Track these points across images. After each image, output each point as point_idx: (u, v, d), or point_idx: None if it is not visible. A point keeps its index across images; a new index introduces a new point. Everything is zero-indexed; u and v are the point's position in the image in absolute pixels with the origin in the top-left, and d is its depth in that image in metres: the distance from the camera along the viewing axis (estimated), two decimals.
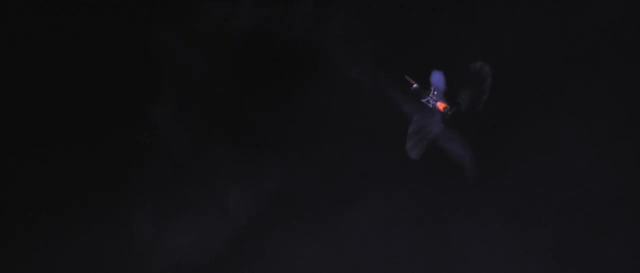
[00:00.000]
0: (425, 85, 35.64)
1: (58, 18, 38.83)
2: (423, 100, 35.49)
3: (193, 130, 38.42)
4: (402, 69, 36.22)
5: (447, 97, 35.49)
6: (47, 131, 38.11)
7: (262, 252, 37.78)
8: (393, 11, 38.54)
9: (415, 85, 35.52)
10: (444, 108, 35.34)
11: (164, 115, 38.32)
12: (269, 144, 38.35)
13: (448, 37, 38.03)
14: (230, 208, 37.97)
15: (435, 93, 35.23)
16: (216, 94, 38.60)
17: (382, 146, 37.24)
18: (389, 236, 37.81)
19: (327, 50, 37.90)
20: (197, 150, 38.44)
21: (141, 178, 37.86)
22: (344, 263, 37.79)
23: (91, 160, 38.14)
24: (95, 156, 38.14)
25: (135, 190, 37.75)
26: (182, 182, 38.27)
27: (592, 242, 36.89)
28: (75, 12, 39.00)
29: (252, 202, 37.96)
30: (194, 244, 37.69)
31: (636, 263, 36.73)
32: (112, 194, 37.68)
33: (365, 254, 37.70)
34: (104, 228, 37.50)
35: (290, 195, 38.11)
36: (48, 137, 38.05)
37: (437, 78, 35.19)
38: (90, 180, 37.85)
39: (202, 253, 37.60)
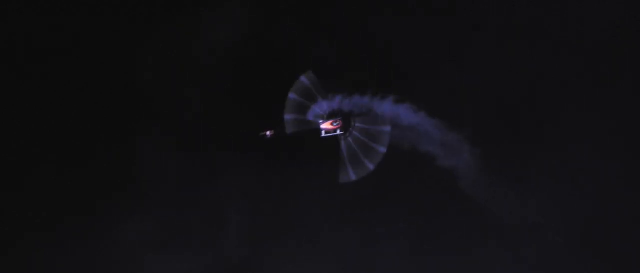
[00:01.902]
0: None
1: (58, 18, 38.85)
2: (324, 136, 35.63)
3: (190, 138, 38.56)
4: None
5: (330, 115, 35.65)
6: (46, 131, 38.18)
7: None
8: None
9: (268, 133, 35.98)
10: (332, 123, 35.40)
11: (162, 119, 38.54)
12: (265, 158, 38.43)
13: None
14: (222, 226, 38.20)
15: (320, 121, 35.40)
16: (215, 99, 38.68)
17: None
18: (382, 256, 38.01)
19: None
20: (190, 163, 38.55)
21: (141, 186, 38.03)
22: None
23: (91, 164, 38.31)
24: (94, 159, 38.31)
25: (132, 200, 37.96)
26: (178, 191, 38.45)
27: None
28: (75, 12, 39.02)
29: (246, 219, 38.27)
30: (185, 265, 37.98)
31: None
32: (108, 203, 37.88)
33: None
34: (98, 238, 37.73)
35: (284, 213, 38.33)
36: (46, 139, 38.14)
37: (313, 111, 35.46)
38: (89, 186, 38.01)
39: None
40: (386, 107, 35.55)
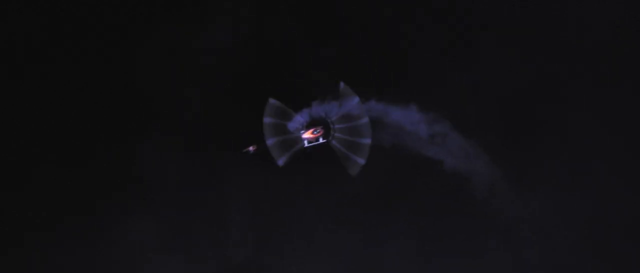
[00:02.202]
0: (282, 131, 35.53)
1: (58, 18, 38.83)
2: (307, 146, 35.10)
3: (190, 138, 38.52)
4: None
5: (309, 125, 35.18)
6: (46, 131, 38.14)
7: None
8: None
9: (251, 149, 35.70)
10: (312, 131, 34.93)
11: (162, 119, 38.50)
12: (265, 158, 38.30)
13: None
14: (223, 226, 38.15)
15: (302, 131, 34.96)
16: (215, 99, 38.65)
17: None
18: (386, 257, 37.93)
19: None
20: (190, 163, 38.48)
21: (141, 186, 37.96)
22: None
23: (91, 164, 38.27)
24: (94, 159, 38.26)
25: (132, 200, 37.90)
26: (178, 191, 38.39)
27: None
28: (75, 12, 39.01)
29: (247, 223, 38.23)
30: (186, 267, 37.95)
31: None
32: (108, 203, 37.83)
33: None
34: (98, 238, 37.68)
35: (286, 213, 38.29)
36: (46, 139, 38.09)
37: (295, 122, 34.97)
38: (89, 186, 37.96)
39: None
40: (398, 114, 35.41)
